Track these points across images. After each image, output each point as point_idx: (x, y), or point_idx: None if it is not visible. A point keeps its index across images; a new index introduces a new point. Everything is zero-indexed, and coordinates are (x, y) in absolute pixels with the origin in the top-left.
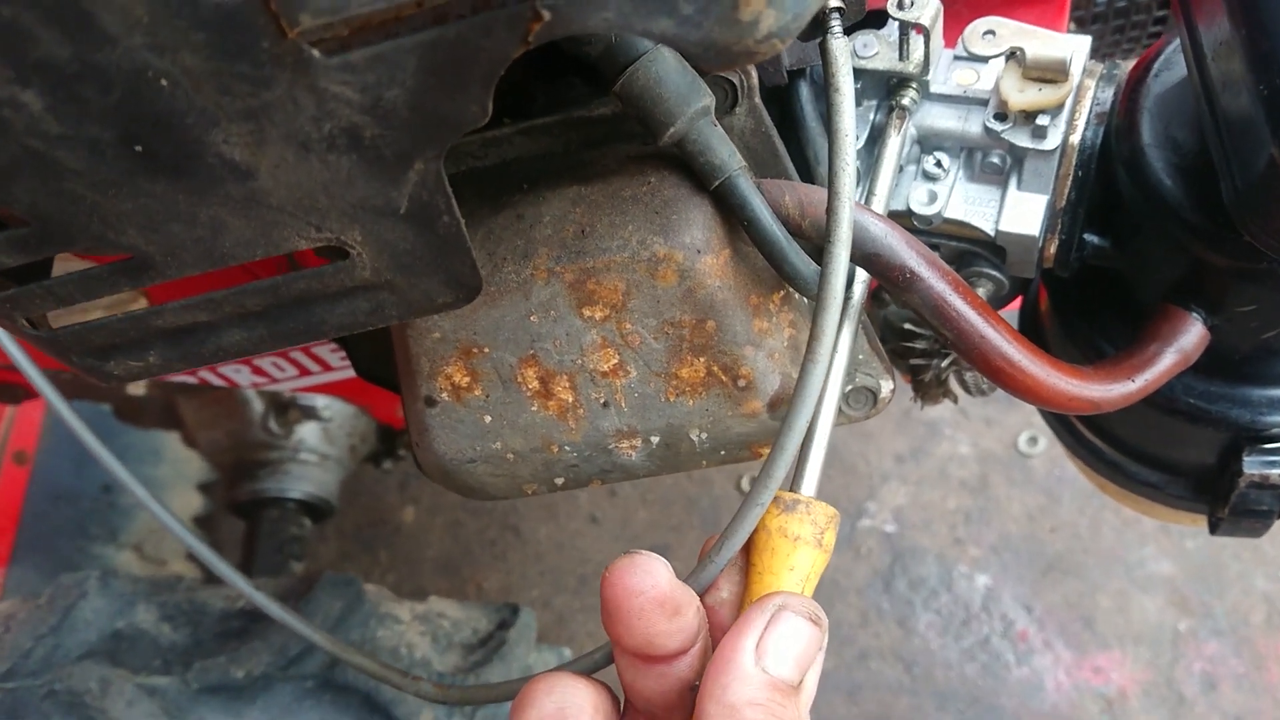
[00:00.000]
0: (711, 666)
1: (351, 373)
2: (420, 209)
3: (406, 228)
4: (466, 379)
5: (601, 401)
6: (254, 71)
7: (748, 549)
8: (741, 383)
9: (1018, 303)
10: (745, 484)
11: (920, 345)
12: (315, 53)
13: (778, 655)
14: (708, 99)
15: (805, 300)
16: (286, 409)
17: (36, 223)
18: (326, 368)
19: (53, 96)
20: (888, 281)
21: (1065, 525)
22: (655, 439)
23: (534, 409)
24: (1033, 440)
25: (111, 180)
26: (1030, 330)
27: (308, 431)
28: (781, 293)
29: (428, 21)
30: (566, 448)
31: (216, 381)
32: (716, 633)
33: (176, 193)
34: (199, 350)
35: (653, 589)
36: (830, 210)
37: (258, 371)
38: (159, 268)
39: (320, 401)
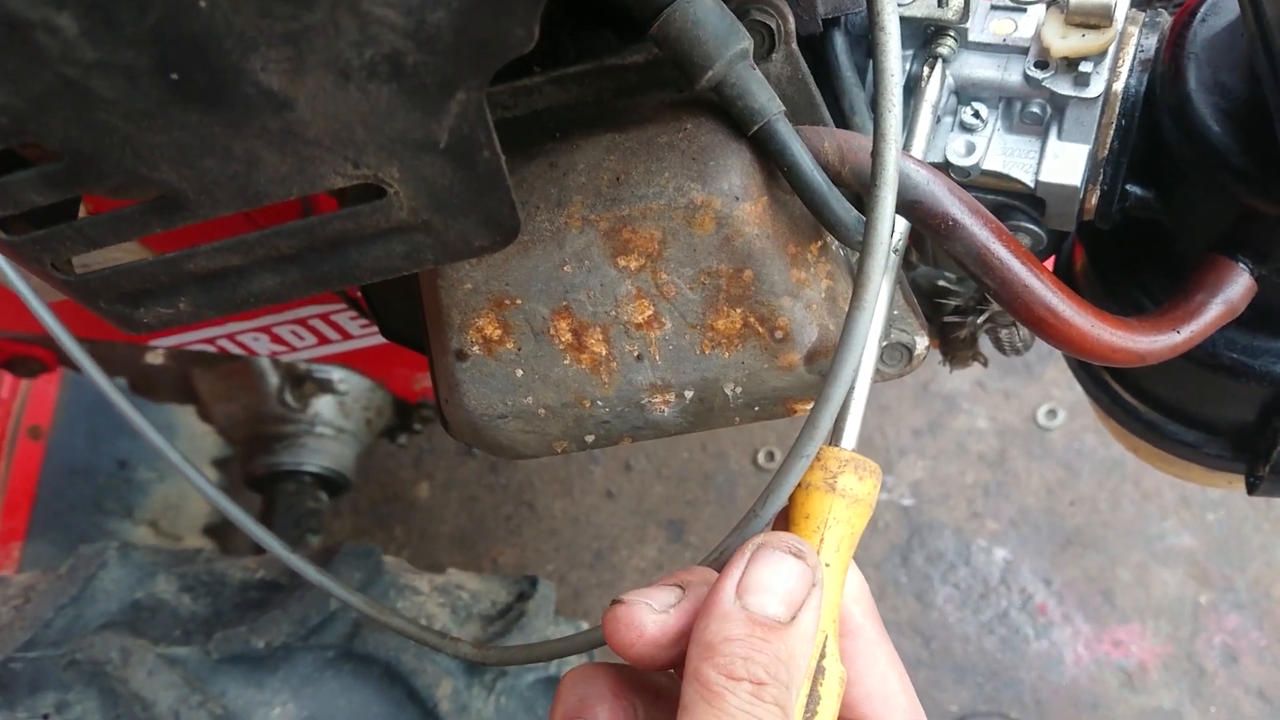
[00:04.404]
0: (699, 612)
1: (370, 342)
2: (461, 143)
3: (446, 163)
4: (498, 331)
5: (635, 354)
6: None
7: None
8: (779, 334)
9: (1049, 262)
10: (761, 458)
11: (954, 302)
12: None
13: (758, 592)
14: (746, 41)
15: (842, 251)
16: (302, 382)
17: (69, 157)
18: (346, 336)
19: (88, 19)
20: (929, 230)
21: (1084, 498)
22: (689, 393)
23: (566, 362)
24: (1051, 413)
25: (146, 110)
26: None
27: (324, 405)
28: (819, 242)
29: None
30: (599, 403)
31: (235, 350)
32: None
33: (212, 124)
34: (231, 296)
35: (639, 640)
36: (875, 153)
37: (276, 340)
38: (191, 206)
39: (336, 375)
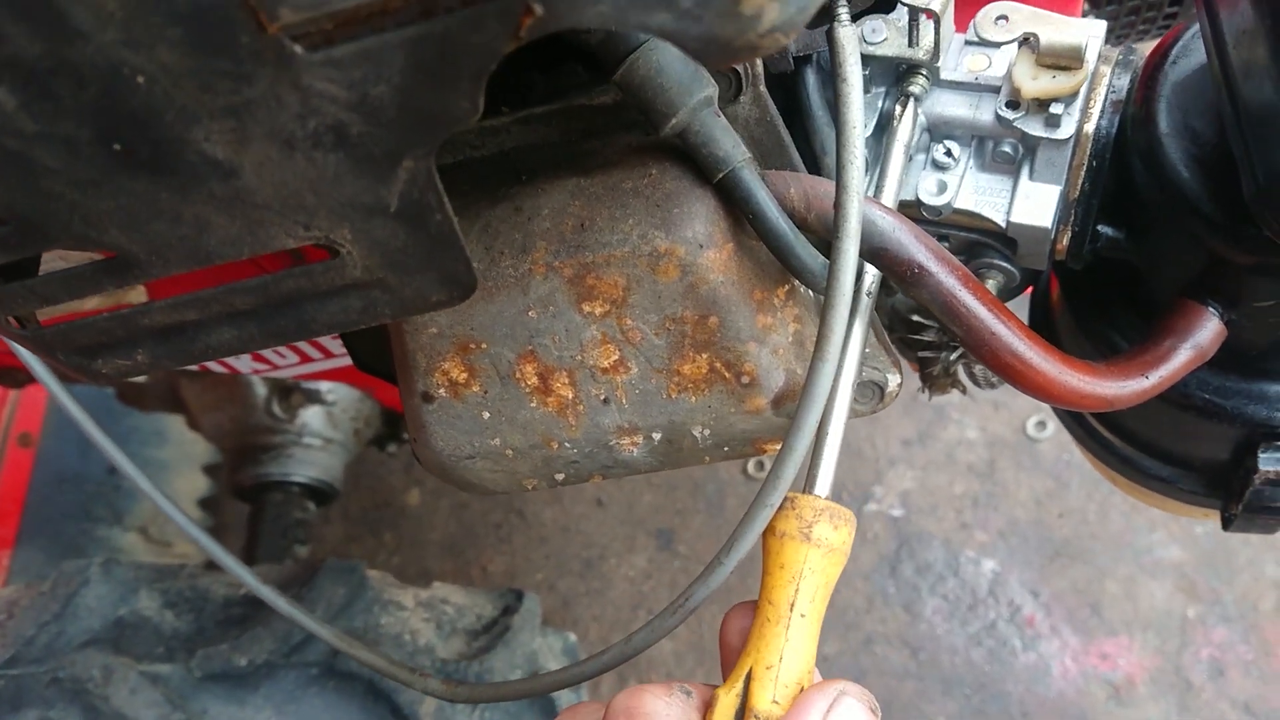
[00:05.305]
0: None
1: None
2: (411, 207)
3: (397, 226)
4: (464, 375)
5: (602, 398)
6: (234, 68)
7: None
8: (745, 379)
9: (1027, 292)
10: (751, 468)
11: (928, 337)
12: (297, 48)
13: None
14: (710, 89)
15: (811, 294)
16: (290, 393)
17: (15, 222)
18: (328, 354)
19: (25, 94)
20: (895, 277)
21: (1073, 510)
22: (657, 435)
23: (533, 405)
24: (1041, 425)
25: (90, 179)
26: (1040, 322)
27: (311, 416)
28: (786, 287)
29: (415, 15)
30: (566, 444)
31: (217, 368)
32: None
33: (158, 191)
34: (188, 349)
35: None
36: (838, 205)
37: (258, 358)
38: (143, 266)
39: (324, 386)
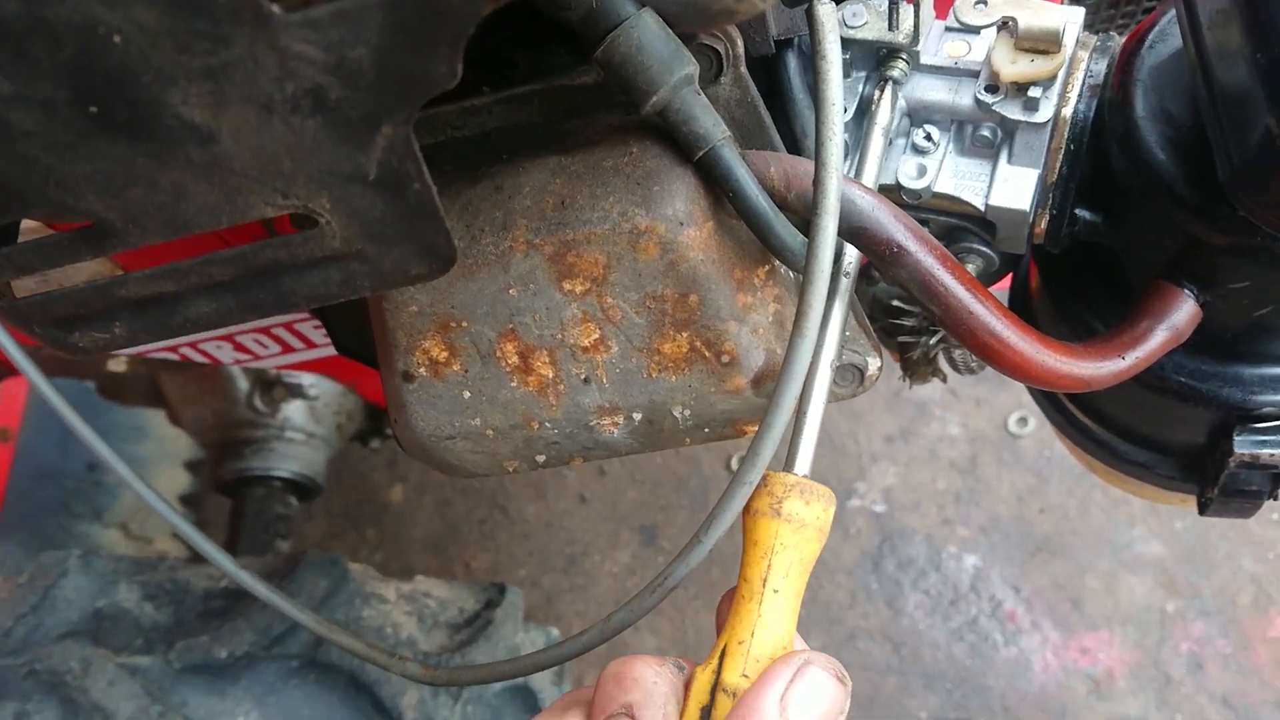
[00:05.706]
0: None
1: (334, 351)
2: (390, 175)
3: (376, 195)
4: (444, 354)
5: (582, 377)
6: (211, 28)
7: None
8: (725, 358)
9: (1007, 281)
10: (734, 464)
11: (909, 322)
12: (275, 8)
13: (800, 709)
14: (691, 67)
15: (791, 275)
16: (272, 387)
17: None
18: (310, 345)
19: (1, 53)
20: (874, 256)
21: (1054, 506)
22: (637, 416)
23: (514, 385)
24: (1022, 421)
25: (67, 142)
26: (1020, 307)
27: (294, 410)
28: (766, 267)
29: None
30: (547, 424)
31: (198, 358)
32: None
33: (135, 156)
34: (166, 322)
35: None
36: (817, 181)
37: (240, 349)
38: (120, 235)
39: (307, 379)
